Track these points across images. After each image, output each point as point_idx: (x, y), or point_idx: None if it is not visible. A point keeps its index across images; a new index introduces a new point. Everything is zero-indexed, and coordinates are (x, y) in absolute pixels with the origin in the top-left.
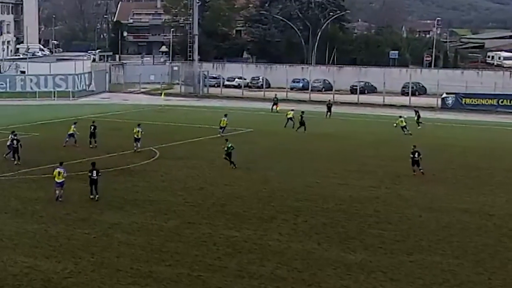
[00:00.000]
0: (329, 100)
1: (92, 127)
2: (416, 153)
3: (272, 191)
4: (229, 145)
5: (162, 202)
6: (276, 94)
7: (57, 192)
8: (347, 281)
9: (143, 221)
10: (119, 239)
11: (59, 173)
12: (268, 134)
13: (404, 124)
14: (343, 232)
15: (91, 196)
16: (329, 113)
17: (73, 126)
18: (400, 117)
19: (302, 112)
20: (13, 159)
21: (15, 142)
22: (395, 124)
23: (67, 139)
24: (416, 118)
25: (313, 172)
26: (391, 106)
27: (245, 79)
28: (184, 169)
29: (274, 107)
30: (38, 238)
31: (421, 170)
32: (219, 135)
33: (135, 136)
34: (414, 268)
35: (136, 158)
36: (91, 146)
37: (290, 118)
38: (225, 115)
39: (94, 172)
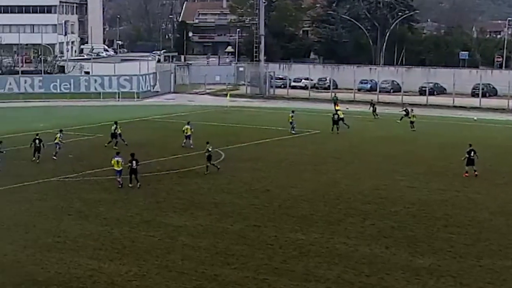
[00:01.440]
0: (372, 100)
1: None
2: (472, 152)
3: (339, 194)
4: (209, 148)
5: (227, 205)
6: (335, 94)
7: (118, 179)
8: (415, 286)
9: (208, 224)
10: (184, 242)
11: (117, 162)
12: (335, 136)
13: None
14: (412, 235)
15: (130, 185)
16: (375, 113)
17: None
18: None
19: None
20: (34, 158)
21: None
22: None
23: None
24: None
25: (381, 174)
26: (461, 107)
27: (312, 80)
28: (250, 171)
29: (335, 106)
30: (102, 240)
31: (475, 172)
32: (182, 145)
33: (185, 133)
34: (484, 273)
35: (202, 160)
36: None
37: (342, 119)
38: (188, 123)
39: (134, 162)
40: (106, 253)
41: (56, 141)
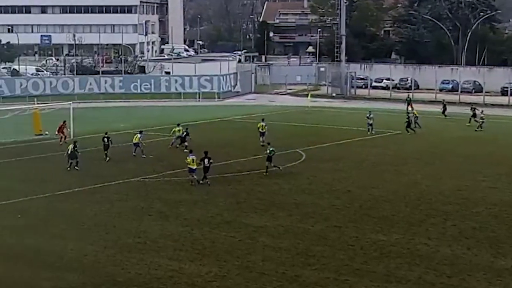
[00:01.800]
0: (443, 100)
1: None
2: None
3: (420, 195)
4: (271, 149)
5: (308, 205)
6: (409, 95)
7: (194, 176)
8: (497, 287)
9: (288, 224)
10: (265, 243)
11: (193, 160)
12: (416, 136)
13: None
14: (493, 236)
15: (201, 182)
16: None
17: (177, 128)
18: None
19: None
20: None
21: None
22: None
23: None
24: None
25: (463, 175)
26: None
27: (393, 80)
28: (331, 172)
29: (409, 107)
30: (183, 241)
31: None
32: (261, 145)
33: (260, 130)
34: None
35: (282, 160)
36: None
37: (416, 117)
38: (263, 120)
39: (206, 160)
40: (187, 253)
41: (135, 141)
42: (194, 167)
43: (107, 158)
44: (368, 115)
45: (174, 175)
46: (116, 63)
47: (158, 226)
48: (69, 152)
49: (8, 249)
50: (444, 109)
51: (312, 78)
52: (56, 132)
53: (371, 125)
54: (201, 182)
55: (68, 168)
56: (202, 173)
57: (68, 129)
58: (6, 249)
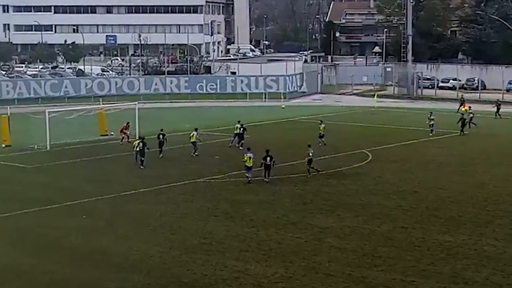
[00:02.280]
0: (498, 100)
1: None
2: None
3: (487, 195)
4: (310, 153)
5: (374, 206)
6: (462, 95)
7: (248, 174)
8: None
9: (355, 225)
10: (331, 243)
11: (249, 158)
12: (484, 137)
13: None
14: None
15: (265, 179)
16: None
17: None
18: None
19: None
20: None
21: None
22: None
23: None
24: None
25: None
26: None
27: (460, 81)
28: (397, 172)
29: (462, 107)
30: (248, 241)
31: None
32: (319, 145)
33: (320, 132)
34: None
35: (349, 161)
36: (319, 144)
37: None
38: (321, 122)
39: (268, 158)
40: (252, 254)
41: (192, 140)
42: (249, 165)
43: (161, 155)
44: (429, 115)
45: (240, 176)
46: (181, 63)
47: (224, 227)
48: (137, 149)
49: (74, 250)
50: (498, 109)
51: (378, 78)
52: (119, 132)
53: (432, 125)
54: (265, 179)
55: (141, 167)
56: (264, 171)
57: (129, 132)
58: (72, 250)
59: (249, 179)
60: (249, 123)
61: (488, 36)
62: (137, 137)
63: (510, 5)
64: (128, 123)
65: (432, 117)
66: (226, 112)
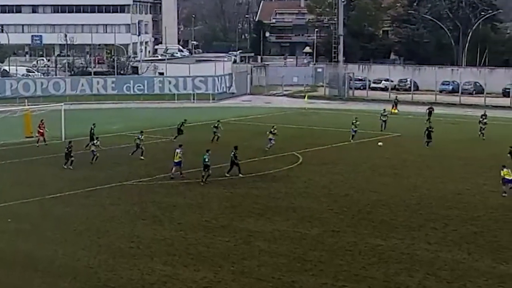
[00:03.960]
0: (431, 106)
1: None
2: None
3: (420, 198)
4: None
5: (305, 209)
6: (396, 96)
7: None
8: None
9: (285, 229)
10: (261, 247)
11: (176, 153)
12: (416, 139)
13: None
14: (495, 241)
15: (227, 174)
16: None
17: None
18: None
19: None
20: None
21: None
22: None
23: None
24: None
25: (464, 178)
26: None
27: (392, 81)
28: (328, 175)
29: (393, 109)
30: (177, 245)
31: None
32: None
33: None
34: None
35: (279, 163)
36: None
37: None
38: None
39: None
40: (181, 259)
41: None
42: (177, 160)
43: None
44: (382, 112)
45: (168, 179)
46: (108, 64)
47: (152, 230)
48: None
49: None
50: (430, 113)
51: (309, 79)
52: (36, 133)
53: (385, 121)
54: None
55: (64, 166)
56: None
57: (47, 130)
58: None
59: (173, 175)
60: (177, 125)
61: (421, 36)
62: (63, 139)
63: (443, 5)
64: (42, 120)
65: (385, 113)
66: (154, 114)
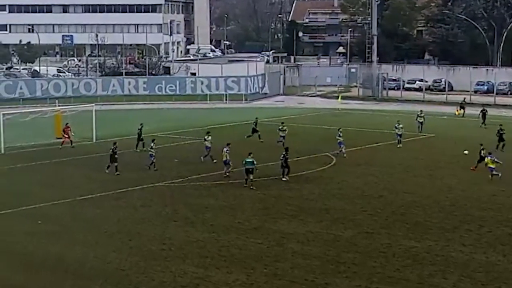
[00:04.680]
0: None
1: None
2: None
3: (455, 200)
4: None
5: (338, 211)
6: (464, 98)
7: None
8: None
9: (318, 231)
10: (293, 249)
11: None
12: (451, 140)
13: None
14: None
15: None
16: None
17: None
18: None
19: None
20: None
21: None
22: None
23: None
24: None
25: (499, 180)
26: None
27: (426, 82)
28: (362, 176)
29: (461, 110)
30: (209, 247)
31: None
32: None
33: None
34: None
35: (312, 164)
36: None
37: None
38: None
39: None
40: (213, 261)
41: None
42: (224, 159)
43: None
44: (419, 113)
45: (200, 180)
46: (136, 64)
47: (184, 232)
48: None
49: (29, 256)
50: (462, 108)
51: (342, 79)
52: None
53: (421, 123)
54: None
55: (107, 170)
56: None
57: (73, 134)
58: (26, 256)
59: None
60: (210, 125)
61: (455, 36)
62: (94, 140)
63: (477, 4)
64: (67, 124)
65: (422, 115)
66: (186, 114)
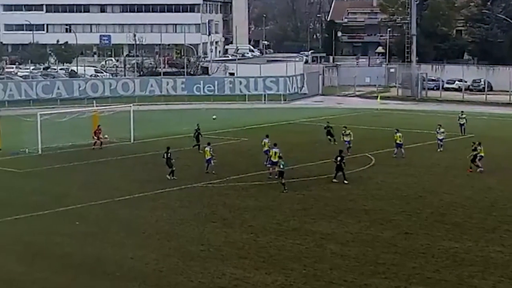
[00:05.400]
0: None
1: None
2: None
3: (494, 200)
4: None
5: (377, 211)
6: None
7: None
8: None
9: (357, 231)
10: (332, 250)
11: (275, 153)
12: (490, 140)
13: None
14: None
15: (334, 180)
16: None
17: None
18: None
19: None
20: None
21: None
22: None
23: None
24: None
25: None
26: None
27: (465, 82)
28: (401, 177)
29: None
30: (247, 248)
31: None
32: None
33: (397, 141)
34: None
35: (351, 164)
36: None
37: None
38: (267, 136)
39: (339, 158)
40: (252, 262)
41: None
42: (275, 160)
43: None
44: (460, 115)
45: (239, 180)
46: (172, 64)
47: (222, 233)
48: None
49: (67, 257)
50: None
51: (381, 79)
52: (92, 136)
53: (462, 125)
54: (334, 180)
55: (168, 177)
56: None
57: (101, 136)
58: (64, 258)
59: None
60: (249, 125)
61: (495, 36)
62: (132, 140)
63: None
64: (99, 126)
65: (463, 116)
66: (225, 114)
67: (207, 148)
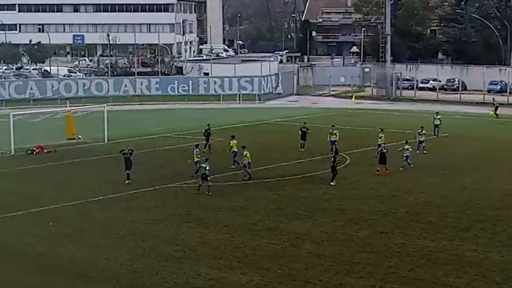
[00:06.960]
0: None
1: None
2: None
3: (468, 199)
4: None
5: (353, 211)
6: (494, 98)
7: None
8: None
9: (332, 231)
10: (308, 250)
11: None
12: (465, 139)
13: None
14: None
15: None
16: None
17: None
18: None
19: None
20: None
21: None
22: None
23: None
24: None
25: None
26: None
27: (440, 81)
28: (376, 176)
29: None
30: (222, 248)
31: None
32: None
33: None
34: None
35: (326, 164)
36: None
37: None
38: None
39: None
40: (227, 262)
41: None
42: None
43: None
44: (435, 115)
45: (213, 181)
46: (145, 63)
47: (197, 233)
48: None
49: (40, 259)
50: (496, 108)
51: (356, 79)
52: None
53: (437, 125)
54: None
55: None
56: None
57: (80, 137)
58: (38, 259)
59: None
60: (223, 125)
61: (469, 36)
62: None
63: (490, 4)
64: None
65: (438, 117)
66: (199, 115)
67: (234, 141)
